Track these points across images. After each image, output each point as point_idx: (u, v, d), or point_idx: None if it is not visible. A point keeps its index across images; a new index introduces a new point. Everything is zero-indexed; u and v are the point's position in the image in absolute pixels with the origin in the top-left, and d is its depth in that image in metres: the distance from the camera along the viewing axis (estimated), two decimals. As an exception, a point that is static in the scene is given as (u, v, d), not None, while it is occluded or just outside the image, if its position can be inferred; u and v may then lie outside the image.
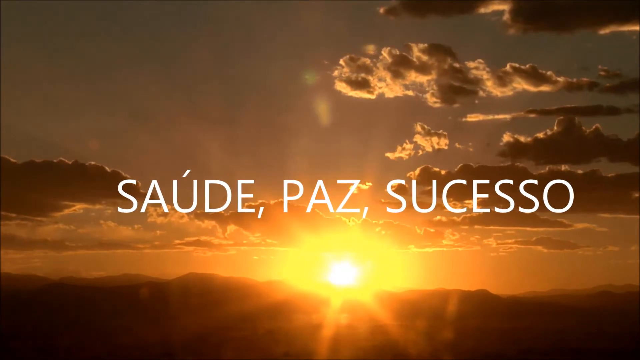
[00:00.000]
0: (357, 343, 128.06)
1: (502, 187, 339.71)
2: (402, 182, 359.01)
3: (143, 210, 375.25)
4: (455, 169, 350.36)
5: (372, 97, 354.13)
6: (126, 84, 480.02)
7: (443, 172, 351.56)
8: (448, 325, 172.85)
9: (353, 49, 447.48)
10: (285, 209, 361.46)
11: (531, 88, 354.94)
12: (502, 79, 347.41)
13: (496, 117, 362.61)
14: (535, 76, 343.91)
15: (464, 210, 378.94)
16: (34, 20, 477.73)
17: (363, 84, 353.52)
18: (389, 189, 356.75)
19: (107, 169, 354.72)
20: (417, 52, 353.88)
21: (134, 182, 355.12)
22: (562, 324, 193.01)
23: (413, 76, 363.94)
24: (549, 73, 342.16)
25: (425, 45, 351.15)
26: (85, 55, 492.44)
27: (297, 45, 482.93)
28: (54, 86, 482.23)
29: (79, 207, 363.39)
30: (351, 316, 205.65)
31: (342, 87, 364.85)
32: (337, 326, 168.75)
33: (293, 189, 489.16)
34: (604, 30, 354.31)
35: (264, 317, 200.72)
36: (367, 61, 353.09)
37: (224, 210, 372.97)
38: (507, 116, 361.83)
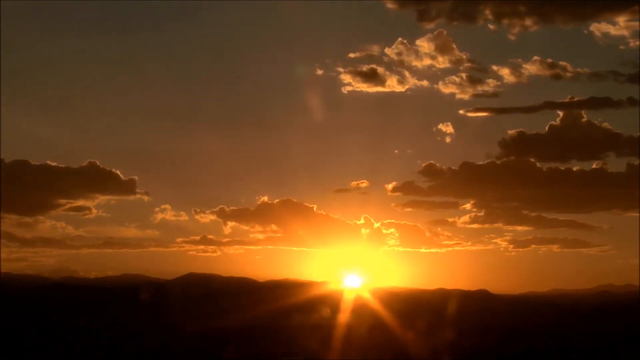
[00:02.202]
0: (358, 342, 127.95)
1: (508, 185, 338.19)
2: (408, 180, 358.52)
3: (143, 209, 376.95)
4: (462, 166, 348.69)
5: (382, 90, 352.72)
6: (124, 83, 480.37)
7: (449, 168, 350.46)
8: (448, 324, 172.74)
9: (358, 45, 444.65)
10: (289, 208, 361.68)
11: (548, 80, 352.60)
12: (517, 71, 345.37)
13: (508, 109, 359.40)
14: (551, 67, 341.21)
15: (469, 208, 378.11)
16: (33, 19, 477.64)
17: (370, 79, 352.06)
18: (394, 188, 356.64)
19: (106, 167, 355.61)
20: (426, 43, 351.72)
21: (133, 180, 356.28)
22: (562, 324, 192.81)
23: (422, 69, 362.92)
24: (565, 64, 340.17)
25: (435, 36, 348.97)
26: (83, 55, 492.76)
27: (302, 43, 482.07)
28: (49, 85, 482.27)
29: (78, 206, 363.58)
30: (352, 315, 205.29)
31: (347, 82, 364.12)
32: (338, 325, 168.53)
33: (296, 188, 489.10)
34: (622, 18, 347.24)
35: (264, 317, 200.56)
36: (375, 55, 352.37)
37: (225, 210, 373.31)
38: (521, 108, 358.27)
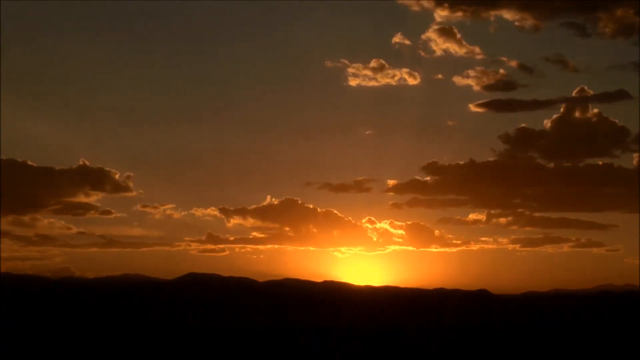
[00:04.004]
0: (357, 342, 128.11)
1: (513, 183, 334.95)
2: (412, 177, 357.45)
3: (144, 208, 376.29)
4: (467, 163, 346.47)
5: (391, 82, 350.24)
6: (123, 83, 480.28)
7: (452, 166, 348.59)
8: (448, 324, 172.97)
9: (367, 37, 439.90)
10: (291, 207, 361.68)
11: (566, 73, 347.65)
12: (530, 69, 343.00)
13: (520, 104, 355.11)
14: (567, 60, 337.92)
15: (473, 207, 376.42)
16: (32, 19, 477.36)
17: (377, 74, 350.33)
18: (397, 185, 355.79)
19: (106, 167, 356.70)
20: (438, 36, 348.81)
21: (134, 179, 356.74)
22: (562, 323, 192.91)
23: (432, 62, 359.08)
24: (581, 57, 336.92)
25: (446, 28, 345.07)
26: (83, 55, 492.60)
27: (307, 38, 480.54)
28: (47, 84, 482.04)
29: (79, 205, 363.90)
30: (352, 315, 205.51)
31: (354, 79, 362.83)
32: (339, 325, 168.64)
33: (299, 186, 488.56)
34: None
35: (264, 317, 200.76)
36: (383, 47, 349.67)
37: (226, 209, 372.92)
38: (533, 103, 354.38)
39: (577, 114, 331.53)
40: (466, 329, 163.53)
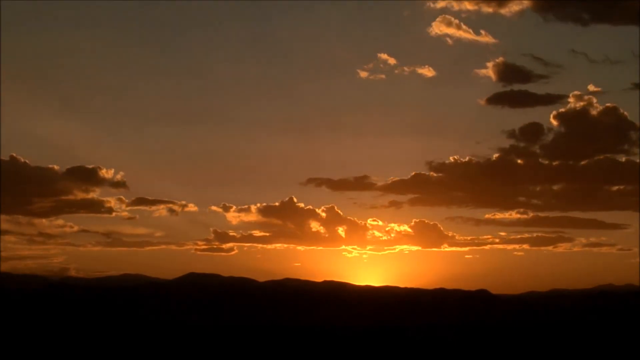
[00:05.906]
0: (357, 342, 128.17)
1: (518, 182, 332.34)
2: (421, 172, 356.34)
3: (147, 208, 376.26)
4: (469, 162, 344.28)
5: (396, 77, 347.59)
6: (125, 84, 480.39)
7: (457, 163, 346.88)
8: (448, 325, 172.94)
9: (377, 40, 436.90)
10: (293, 208, 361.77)
11: (583, 63, 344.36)
12: (544, 60, 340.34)
13: (530, 99, 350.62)
14: (583, 54, 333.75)
15: (476, 206, 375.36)
16: (32, 20, 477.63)
17: (384, 68, 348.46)
18: (399, 184, 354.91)
19: (106, 166, 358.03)
20: (450, 29, 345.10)
21: (135, 179, 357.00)
22: (562, 324, 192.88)
23: (443, 56, 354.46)
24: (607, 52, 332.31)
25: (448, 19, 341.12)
26: (82, 55, 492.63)
27: (316, 43, 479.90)
28: (46, 84, 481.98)
29: (78, 203, 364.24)
30: (352, 314, 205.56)
31: (362, 72, 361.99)
32: (338, 325, 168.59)
33: (302, 185, 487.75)
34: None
35: (264, 317, 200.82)
36: (390, 43, 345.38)
37: (228, 208, 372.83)
38: (544, 98, 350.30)
39: (585, 109, 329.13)
40: (466, 329, 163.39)
